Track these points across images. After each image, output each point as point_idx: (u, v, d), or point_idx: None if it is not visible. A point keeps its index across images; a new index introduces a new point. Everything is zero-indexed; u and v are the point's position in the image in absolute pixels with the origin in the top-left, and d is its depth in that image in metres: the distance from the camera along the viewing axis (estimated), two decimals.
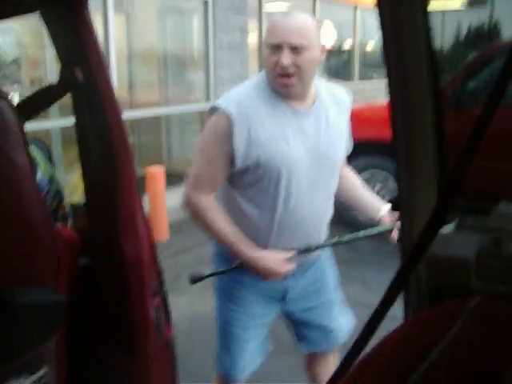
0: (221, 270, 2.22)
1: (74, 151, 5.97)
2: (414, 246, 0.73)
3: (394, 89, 1.39)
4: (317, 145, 2.09)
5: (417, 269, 1.38)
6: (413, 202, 1.43)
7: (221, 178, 2.11)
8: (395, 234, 2.18)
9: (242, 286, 2.23)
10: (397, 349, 0.57)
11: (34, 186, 1.42)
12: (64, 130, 6.60)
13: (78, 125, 1.68)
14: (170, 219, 6.16)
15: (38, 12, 1.61)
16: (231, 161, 2.04)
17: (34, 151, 1.50)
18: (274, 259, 2.08)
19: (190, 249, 5.77)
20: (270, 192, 2.07)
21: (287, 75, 1.98)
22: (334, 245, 2.26)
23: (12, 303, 1.39)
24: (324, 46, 2.06)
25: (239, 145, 2.00)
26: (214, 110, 2.06)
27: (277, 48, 1.97)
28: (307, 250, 2.16)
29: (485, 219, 1.40)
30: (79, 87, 1.58)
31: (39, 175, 1.61)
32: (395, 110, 1.40)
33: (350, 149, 2.32)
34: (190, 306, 4.43)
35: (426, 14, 1.34)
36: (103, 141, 1.65)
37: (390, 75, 1.39)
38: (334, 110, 2.17)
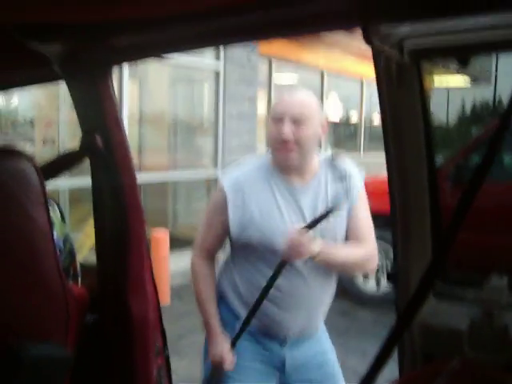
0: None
1: (79, 211, 6.03)
2: (407, 306, 0.79)
3: (391, 164, 1.48)
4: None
5: (412, 336, 1.44)
6: (409, 272, 1.49)
7: (219, 244, 2.29)
8: None
9: (242, 351, 2.24)
10: None
11: (52, 245, 1.49)
12: (71, 190, 6.71)
13: (94, 188, 1.77)
14: (172, 283, 6.18)
15: (63, 80, 1.72)
16: (228, 231, 2.18)
17: (50, 212, 1.58)
18: (218, 349, 2.21)
19: (190, 313, 5.75)
20: (267, 264, 2.13)
21: (288, 148, 2.08)
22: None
23: (20, 355, 1.43)
24: (325, 123, 2.17)
25: (233, 218, 2.12)
26: (218, 183, 2.24)
27: (279, 120, 2.10)
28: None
29: (477, 291, 1.46)
30: (98, 153, 1.67)
31: (55, 234, 1.69)
32: (393, 184, 1.49)
33: (368, 228, 2.36)
34: (189, 370, 4.41)
35: (423, 94, 1.44)
36: (117, 204, 1.73)
37: (388, 151, 1.48)
38: (335, 185, 2.20)
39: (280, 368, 2.29)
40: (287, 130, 2.07)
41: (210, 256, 2.31)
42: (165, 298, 5.97)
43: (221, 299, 2.31)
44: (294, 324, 2.23)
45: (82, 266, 1.98)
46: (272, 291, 2.12)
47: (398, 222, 1.48)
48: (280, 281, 2.10)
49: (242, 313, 2.19)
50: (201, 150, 8.62)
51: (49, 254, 1.48)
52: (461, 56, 1.28)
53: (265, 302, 2.14)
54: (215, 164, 7.96)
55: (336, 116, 12.77)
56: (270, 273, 2.11)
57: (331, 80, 11.87)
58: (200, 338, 5.40)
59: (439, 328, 1.43)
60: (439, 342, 1.43)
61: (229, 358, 2.19)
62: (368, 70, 11.90)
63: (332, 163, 2.26)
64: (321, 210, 2.14)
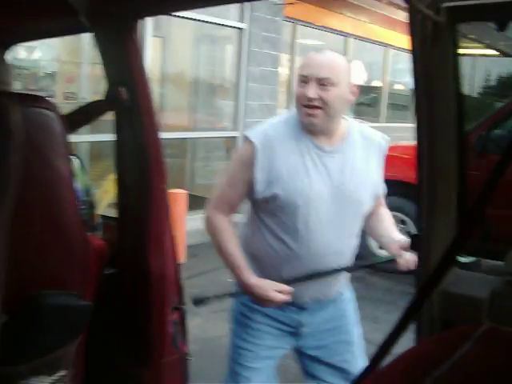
0: (223, 293, 2.26)
1: (98, 167, 6.05)
2: (430, 275, 0.78)
3: (421, 131, 1.45)
4: (340, 184, 2.11)
5: (431, 303, 1.43)
6: (433, 239, 1.48)
7: (239, 202, 2.21)
8: (403, 261, 2.12)
9: (257, 315, 2.23)
10: (412, 361, 0.62)
11: (73, 195, 1.49)
12: (91, 145, 6.73)
13: (117, 141, 1.77)
14: (188, 242, 6.22)
15: (91, 32, 1.70)
16: (251, 188, 2.12)
17: (74, 163, 1.58)
18: (269, 288, 2.09)
19: (205, 272, 5.81)
20: (289, 225, 2.11)
21: (312, 107, 2.04)
22: (332, 273, 2.18)
23: (41, 304, 1.46)
24: (355, 87, 2.12)
25: (259, 175, 2.08)
26: (244, 138, 2.17)
27: (305, 80, 2.05)
28: (302, 279, 2.14)
29: (500, 263, 1.45)
30: (123, 106, 1.66)
31: (77, 185, 1.69)
32: (422, 149, 1.46)
33: (385, 191, 2.32)
34: (201, 328, 4.46)
35: (456, 58, 1.41)
36: (140, 158, 1.72)
37: (418, 117, 1.45)
38: (363, 152, 2.18)
39: (296, 333, 2.27)
40: (312, 92, 2.02)
41: (229, 212, 2.22)
42: (180, 257, 6.00)
43: None
44: (310, 289, 2.19)
45: (106, 219, 1.99)
46: (288, 253, 2.12)
47: (424, 188, 1.46)
48: (296, 245, 2.11)
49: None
50: (221, 111, 8.59)
51: (70, 203, 1.49)
52: (499, 18, 1.24)
53: (280, 266, 2.15)
54: (235, 126, 7.92)
55: (359, 82, 12.64)
56: (285, 236, 2.11)
57: (356, 46, 11.71)
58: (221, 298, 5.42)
59: (459, 296, 1.42)
60: (458, 311, 1.42)
61: (285, 288, 2.09)
62: (393, 38, 11.72)
63: (367, 133, 2.23)
64: (348, 174, 2.12)
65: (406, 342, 0.92)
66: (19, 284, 1.44)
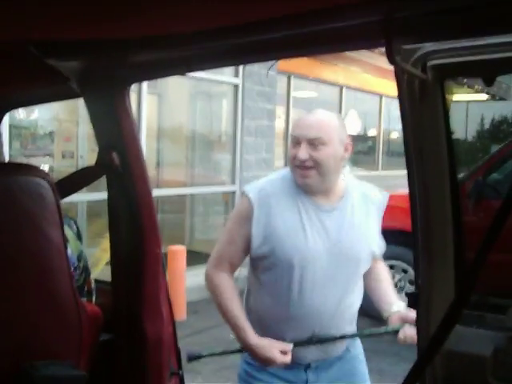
0: (219, 351, 2.26)
1: (97, 226, 6.05)
2: (431, 339, 0.76)
3: (413, 180, 1.44)
4: (337, 242, 2.10)
5: (433, 364, 1.40)
6: (431, 295, 1.45)
7: (239, 259, 2.20)
8: (402, 335, 2.15)
9: (264, 375, 2.19)
10: None
11: (66, 263, 1.47)
12: (89, 204, 6.74)
13: (110, 205, 1.75)
14: (188, 299, 6.16)
15: (81, 97, 1.71)
16: (249, 244, 2.12)
17: (65, 228, 1.57)
18: (270, 348, 2.07)
19: (206, 329, 5.73)
20: (284, 284, 2.09)
21: (305, 167, 2.06)
22: (332, 340, 2.17)
23: (32, 376, 1.42)
24: (349, 143, 2.13)
25: (255, 230, 2.08)
26: (241, 193, 2.19)
27: (297, 141, 2.08)
28: (306, 343, 2.13)
29: (501, 317, 1.42)
30: (115, 170, 1.66)
31: (69, 251, 1.67)
32: (415, 201, 1.45)
33: (383, 248, 2.31)
34: None
35: (446, 110, 1.42)
36: (133, 223, 1.71)
37: (410, 166, 1.45)
38: (362, 209, 2.18)
39: None
40: (303, 153, 2.04)
41: (230, 269, 2.21)
42: (181, 314, 5.94)
43: None
44: (313, 349, 2.16)
45: (96, 282, 1.96)
46: (285, 313, 2.10)
47: (420, 239, 1.45)
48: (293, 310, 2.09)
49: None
50: (218, 166, 8.64)
51: (63, 272, 1.47)
52: (486, 74, 1.25)
53: (281, 326, 2.12)
54: (233, 180, 7.95)
55: (354, 132, 12.75)
56: (280, 296, 2.09)
57: (350, 96, 11.86)
58: (215, 356, 5.36)
59: (461, 354, 1.39)
60: (461, 369, 1.39)
61: (286, 347, 2.08)
62: (387, 87, 11.90)
63: (362, 189, 2.24)
64: (346, 232, 2.12)
65: None
66: (10, 356, 1.41)
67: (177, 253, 6.08)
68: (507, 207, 0.67)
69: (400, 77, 1.29)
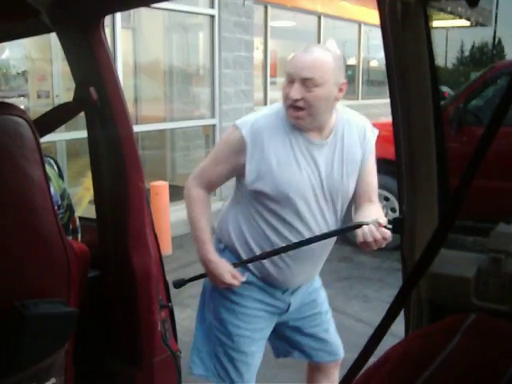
0: (200, 274, 2.29)
1: (78, 164, 5.98)
2: (416, 264, 0.77)
3: (396, 108, 1.43)
4: (328, 176, 2.12)
5: (418, 285, 1.42)
6: (415, 220, 1.46)
7: (220, 182, 2.24)
8: (360, 232, 2.02)
9: (248, 301, 2.24)
10: (399, 361, 0.61)
11: (49, 201, 1.46)
12: (69, 143, 6.66)
13: (90, 141, 1.73)
14: (173, 234, 6.19)
15: (54, 32, 1.66)
16: (239, 175, 2.14)
17: (46, 167, 1.54)
18: (225, 269, 2.14)
19: (192, 263, 5.77)
20: (282, 215, 2.12)
21: (296, 108, 2.03)
22: (309, 242, 2.13)
23: (24, 314, 1.43)
24: (344, 83, 2.09)
25: (250, 166, 2.07)
26: (234, 126, 2.16)
27: (290, 79, 2.03)
28: (249, 261, 2.19)
29: (484, 240, 1.44)
30: (93, 106, 1.63)
31: (52, 190, 1.66)
32: (398, 129, 1.44)
33: (376, 184, 2.32)
34: (191, 320, 4.42)
35: (428, 35, 1.39)
36: (115, 157, 1.69)
37: (392, 94, 1.43)
38: (352, 142, 2.18)
39: (280, 313, 2.32)
40: (296, 93, 2.00)
41: (209, 189, 2.25)
42: (167, 249, 5.98)
43: (224, 248, 2.28)
44: (298, 278, 2.26)
45: (81, 220, 1.96)
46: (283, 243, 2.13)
47: (404, 168, 1.44)
48: (290, 240, 2.12)
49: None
50: (197, 99, 8.52)
51: (46, 210, 1.46)
52: None
53: (274, 258, 2.15)
54: (212, 113, 7.86)
55: None
56: (277, 224, 2.12)
57: (329, 25, 11.65)
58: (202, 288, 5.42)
59: (445, 276, 1.41)
60: (445, 291, 1.42)
61: (237, 274, 2.15)
62: (366, 14, 11.68)
63: (347, 117, 2.22)
64: (337, 167, 2.14)
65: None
66: (0, 295, 1.41)
67: (159, 188, 6.06)
68: (490, 132, 0.66)
69: (382, 0, 1.26)
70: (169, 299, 1.89)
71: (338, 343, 2.50)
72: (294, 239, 2.12)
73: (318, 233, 2.15)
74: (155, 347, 1.80)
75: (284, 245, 2.12)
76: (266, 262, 2.17)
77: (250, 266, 2.20)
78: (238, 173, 2.15)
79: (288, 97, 2.03)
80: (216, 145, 2.31)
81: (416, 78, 1.37)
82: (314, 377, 2.57)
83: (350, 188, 2.21)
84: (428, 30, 1.35)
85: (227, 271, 2.14)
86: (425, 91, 1.39)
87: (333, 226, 2.21)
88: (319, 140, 2.13)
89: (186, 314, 4.51)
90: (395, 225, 1.52)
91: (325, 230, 2.16)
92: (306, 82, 2.00)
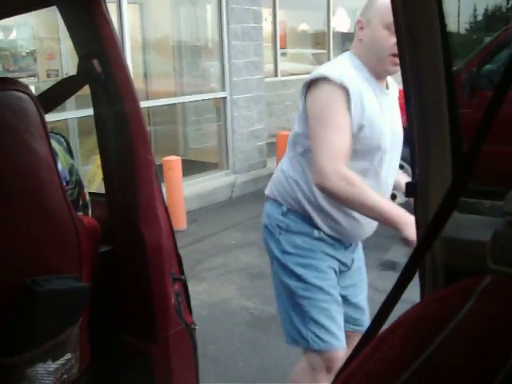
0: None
1: (90, 142, 6.02)
2: (429, 226, 0.75)
3: (408, 74, 1.40)
4: (393, 123, 2.20)
5: (433, 251, 1.40)
6: (428, 185, 1.44)
7: (349, 150, 2.04)
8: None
9: (322, 255, 2.22)
10: (413, 325, 0.59)
11: (56, 176, 1.45)
12: (80, 121, 6.66)
13: (96, 115, 1.71)
14: (187, 208, 6.20)
15: (54, 5, 1.63)
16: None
17: (53, 143, 1.53)
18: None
19: (206, 237, 5.81)
20: (368, 167, 2.13)
21: (395, 55, 2.03)
22: None
23: (36, 291, 1.42)
24: None
25: (354, 117, 2.04)
26: (324, 80, 2.02)
27: (390, 28, 1.99)
28: None
29: (500, 203, 1.41)
30: (97, 79, 1.60)
31: (59, 166, 1.64)
32: (410, 95, 1.41)
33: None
34: (208, 293, 4.48)
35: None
36: (122, 130, 1.67)
37: (403, 61, 1.40)
38: (395, 94, 2.32)
39: (345, 271, 2.34)
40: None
41: (346, 164, 2.01)
42: (181, 223, 6.00)
43: (288, 211, 2.23)
44: (364, 230, 2.27)
45: (91, 195, 1.95)
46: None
47: (416, 133, 1.41)
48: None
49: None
50: (207, 73, 8.46)
51: (54, 185, 1.44)
52: None
53: (345, 215, 2.17)
54: (223, 86, 7.80)
55: (345, 29, 12.44)
56: (370, 176, 2.12)
57: None
58: (217, 262, 5.47)
59: (460, 241, 1.39)
60: (461, 256, 1.39)
61: None
62: None
63: None
64: (395, 115, 2.24)
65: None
66: (11, 274, 1.41)
67: (172, 163, 6.05)
68: (499, 95, 0.64)
69: None
70: (182, 272, 1.88)
71: (367, 310, 2.49)
72: (378, 189, 2.12)
73: (384, 186, 2.19)
74: (169, 320, 1.79)
75: None
76: (338, 215, 2.16)
77: (319, 222, 2.19)
78: None
79: (392, 45, 1.96)
80: (326, 117, 2.03)
81: (427, 40, 1.33)
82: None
83: (401, 139, 2.26)
84: None
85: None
86: (436, 54, 1.36)
87: (394, 174, 2.27)
88: (385, 89, 2.22)
89: (203, 287, 4.54)
90: (408, 189, 1.49)
91: (389, 184, 2.22)
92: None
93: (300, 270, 2.21)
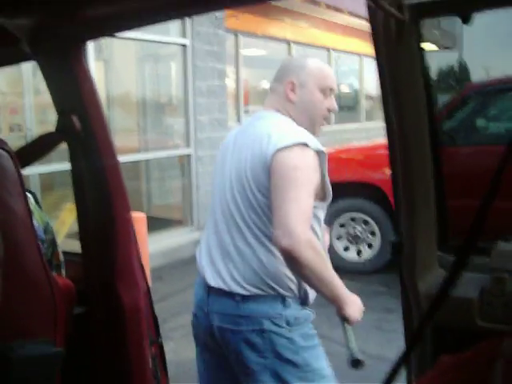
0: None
1: (52, 198, 5.87)
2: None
3: (391, 131, 1.41)
4: None
5: (419, 308, 1.39)
6: (414, 243, 1.43)
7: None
8: None
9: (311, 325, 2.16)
10: None
11: (33, 235, 1.40)
12: (42, 176, 6.56)
13: (73, 172, 1.67)
14: (151, 265, 6.10)
15: (34, 60, 1.61)
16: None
17: (30, 199, 1.48)
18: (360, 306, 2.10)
19: (172, 295, 5.71)
20: (320, 221, 2.12)
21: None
22: None
23: (9, 356, 1.35)
24: None
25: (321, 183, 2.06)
26: (303, 145, 1.97)
27: (330, 92, 2.13)
28: None
29: (485, 259, 1.41)
30: (76, 135, 1.57)
31: (35, 223, 1.59)
32: (393, 147, 1.42)
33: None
34: (175, 352, 4.37)
35: (422, 54, 1.38)
36: (100, 188, 1.63)
37: (387, 113, 1.41)
38: None
39: None
40: (335, 104, 2.16)
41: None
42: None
43: (285, 298, 2.08)
44: None
45: (65, 255, 1.89)
46: None
47: (401, 190, 1.41)
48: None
49: None
50: (172, 129, 8.48)
51: (31, 245, 1.39)
52: (463, 11, 1.20)
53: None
54: (187, 143, 7.82)
55: None
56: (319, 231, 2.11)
57: (299, 52, 11.75)
58: (183, 320, 5.33)
59: (449, 298, 1.37)
60: (449, 313, 1.38)
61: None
62: (335, 41, 11.79)
63: None
64: None
65: None
66: None
67: (137, 220, 5.96)
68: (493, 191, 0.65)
69: (374, 17, 1.23)
70: (158, 334, 1.82)
71: None
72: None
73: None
74: None
75: None
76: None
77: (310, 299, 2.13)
78: None
79: (331, 108, 2.14)
80: (297, 179, 1.94)
81: (411, 95, 1.35)
82: None
83: None
84: (421, 46, 1.33)
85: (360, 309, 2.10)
86: (421, 109, 1.38)
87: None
88: None
89: (169, 347, 4.42)
90: (394, 248, 1.48)
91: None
92: (333, 93, 2.16)
93: (319, 363, 2.11)
